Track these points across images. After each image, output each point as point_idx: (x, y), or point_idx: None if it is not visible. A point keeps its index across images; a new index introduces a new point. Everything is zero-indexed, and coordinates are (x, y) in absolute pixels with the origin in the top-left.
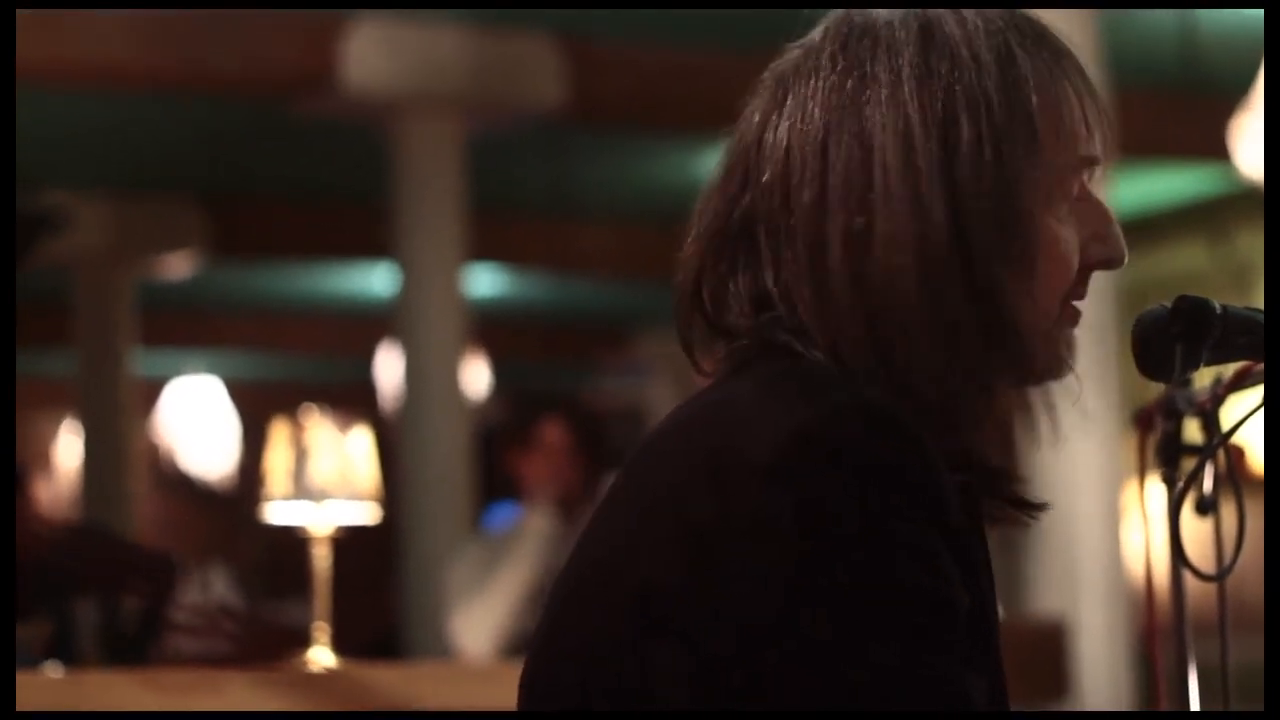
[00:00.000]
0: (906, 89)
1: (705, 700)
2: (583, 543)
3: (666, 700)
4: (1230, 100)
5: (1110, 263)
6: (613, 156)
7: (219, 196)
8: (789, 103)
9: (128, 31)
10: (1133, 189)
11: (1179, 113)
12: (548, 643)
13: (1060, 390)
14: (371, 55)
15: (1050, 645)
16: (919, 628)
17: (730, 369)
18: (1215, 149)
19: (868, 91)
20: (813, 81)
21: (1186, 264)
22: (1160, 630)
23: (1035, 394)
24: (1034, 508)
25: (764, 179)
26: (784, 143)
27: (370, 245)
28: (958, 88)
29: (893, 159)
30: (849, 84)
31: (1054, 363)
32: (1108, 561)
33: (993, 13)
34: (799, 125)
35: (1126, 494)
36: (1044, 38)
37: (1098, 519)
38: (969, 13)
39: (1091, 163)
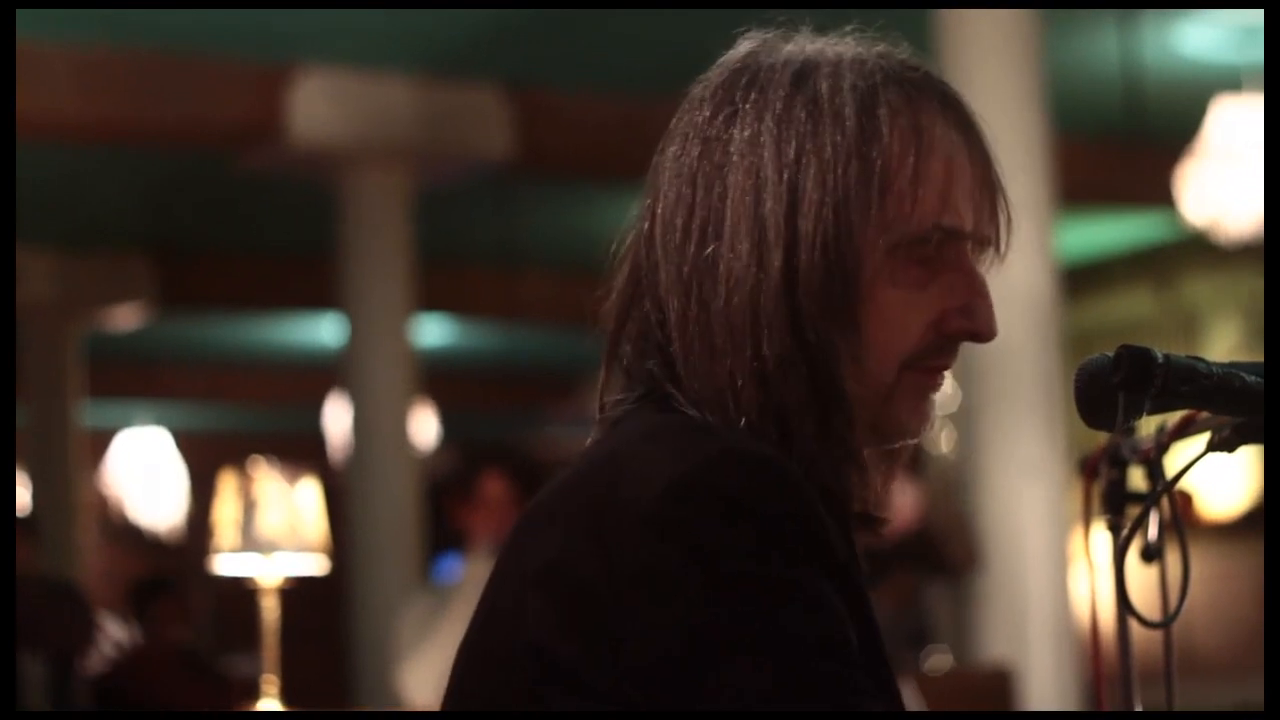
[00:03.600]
0: (765, 134)
1: None
2: (484, 599)
3: None
4: (1176, 148)
5: (975, 337)
6: (561, 207)
7: (166, 248)
8: (675, 135)
9: (74, 84)
10: (1079, 236)
11: (1125, 160)
12: (455, 694)
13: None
14: (319, 107)
15: (998, 691)
16: (815, 670)
17: (612, 423)
18: (1161, 196)
19: (733, 129)
20: (695, 114)
21: (1133, 310)
22: (1106, 677)
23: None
24: (877, 523)
25: (647, 203)
26: (664, 172)
27: (318, 296)
28: (809, 143)
29: (743, 200)
30: (720, 118)
31: (894, 426)
32: (1055, 608)
33: (878, 63)
34: (678, 154)
35: (1073, 541)
36: (925, 94)
37: (1045, 566)
38: (850, 62)
39: (954, 233)
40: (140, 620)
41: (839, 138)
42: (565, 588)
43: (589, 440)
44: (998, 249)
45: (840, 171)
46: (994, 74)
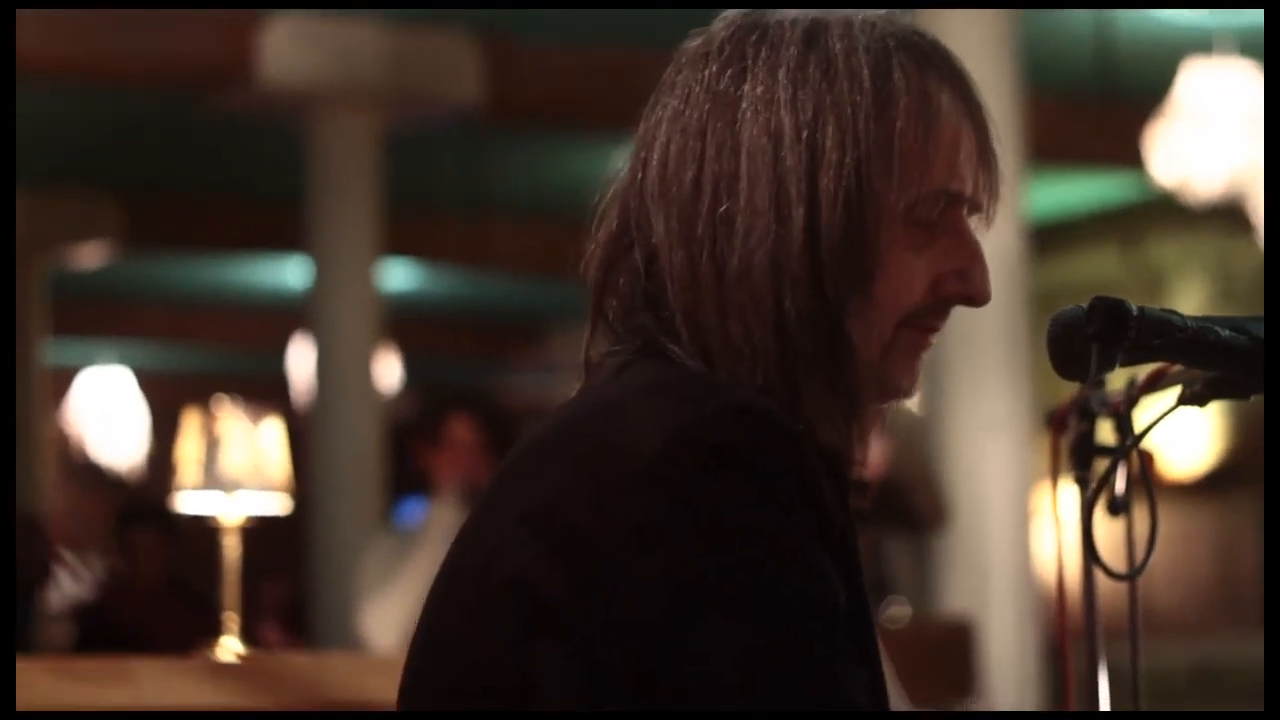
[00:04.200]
0: (781, 91)
1: (589, 700)
2: (462, 540)
3: (548, 699)
4: (1146, 109)
5: (970, 300)
6: (529, 154)
7: (134, 188)
8: (676, 88)
9: (43, 24)
10: (1047, 194)
11: (1094, 119)
12: (427, 639)
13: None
14: (288, 49)
15: (959, 644)
16: (804, 628)
17: (609, 373)
18: (1130, 156)
19: (745, 85)
20: (700, 70)
21: (1100, 270)
22: (1070, 631)
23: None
24: (864, 487)
25: (641, 155)
26: (663, 125)
27: (285, 239)
28: (828, 99)
29: (760, 157)
30: (729, 73)
31: (889, 384)
32: (1017, 562)
33: (887, 28)
34: (680, 108)
35: (1037, 495)
36: (933, 61)
37: (1008, 520)
38: (860, 24)
39: (957, 198)
40: (121, 549)
41: (857, 98)
42: (555, 530)
43: (577, 388)
44: (986, 216)
45: (860, 131)
46: (966, 31)
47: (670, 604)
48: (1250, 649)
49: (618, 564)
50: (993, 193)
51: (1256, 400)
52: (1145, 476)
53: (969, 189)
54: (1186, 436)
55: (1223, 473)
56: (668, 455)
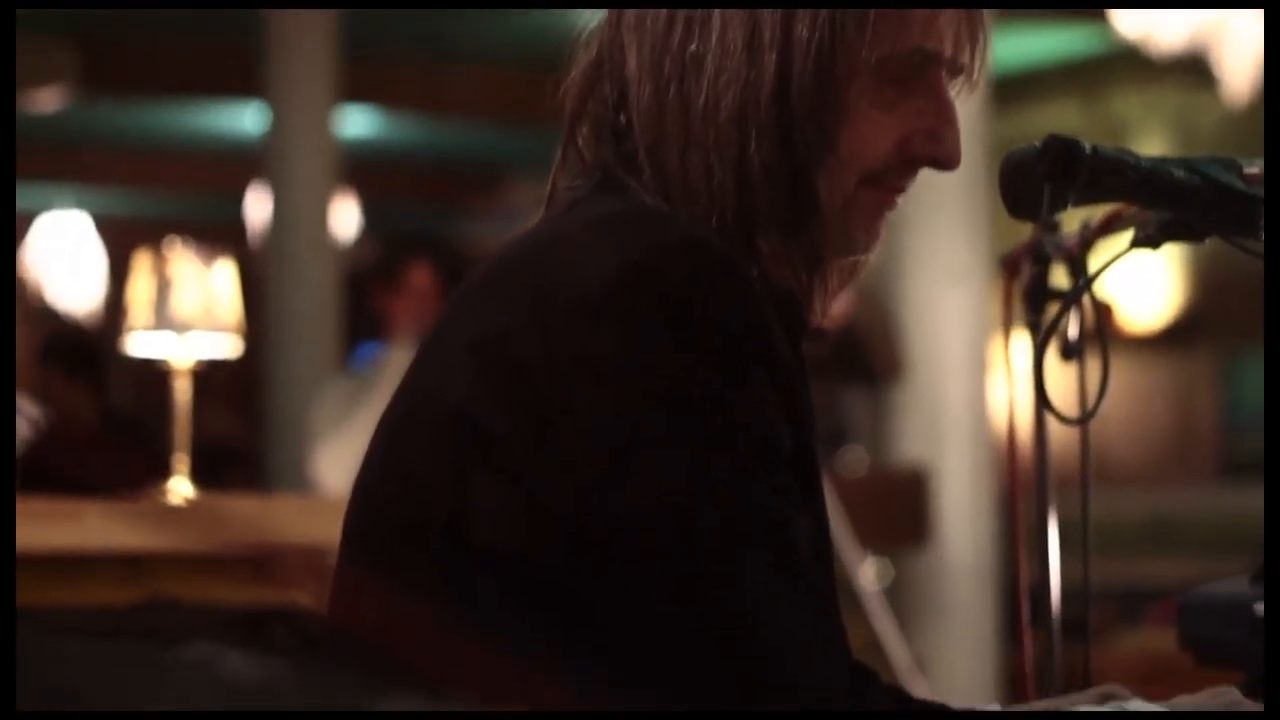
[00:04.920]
0: None
1: (531, 534)
2: (412, 373)
3: (491, 533)
4: None
5: (938, 163)
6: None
7: (91, 32)
8: None
9: None
10: (1009, 46)
11: None
12: (374, 472)
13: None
14: None
15: (913, 492)
16: (745, 468)
17: (563, 207)
18: (1093, 8)
19: None
20: None
21: (1060, 122)
22: (1022, 479)
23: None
24: (821, 334)
25: None
26: None
27: (242, 84)
28: None
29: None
30: None
31: (847, 240)
32: (972, 410)
33: None
34: None
35: (993, 345)
36: None
37: (964, 369)
38: None
39: (934, 58)
40: (42, 387)
41: None
42: (501, 362)
43: (535, 220)
44: (969, 78)
45: None
46: None
47: (611, 438)
48: (1203, 502)
49: (561, 397)
50: (975, 54)
51: (1216, 255)
52: (1099, 324)
53: (948, 50)
54: (1146, 290)
55: (1182, 327)
56: (617, 288)
